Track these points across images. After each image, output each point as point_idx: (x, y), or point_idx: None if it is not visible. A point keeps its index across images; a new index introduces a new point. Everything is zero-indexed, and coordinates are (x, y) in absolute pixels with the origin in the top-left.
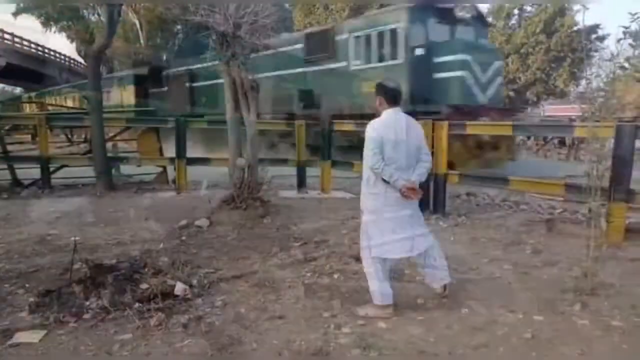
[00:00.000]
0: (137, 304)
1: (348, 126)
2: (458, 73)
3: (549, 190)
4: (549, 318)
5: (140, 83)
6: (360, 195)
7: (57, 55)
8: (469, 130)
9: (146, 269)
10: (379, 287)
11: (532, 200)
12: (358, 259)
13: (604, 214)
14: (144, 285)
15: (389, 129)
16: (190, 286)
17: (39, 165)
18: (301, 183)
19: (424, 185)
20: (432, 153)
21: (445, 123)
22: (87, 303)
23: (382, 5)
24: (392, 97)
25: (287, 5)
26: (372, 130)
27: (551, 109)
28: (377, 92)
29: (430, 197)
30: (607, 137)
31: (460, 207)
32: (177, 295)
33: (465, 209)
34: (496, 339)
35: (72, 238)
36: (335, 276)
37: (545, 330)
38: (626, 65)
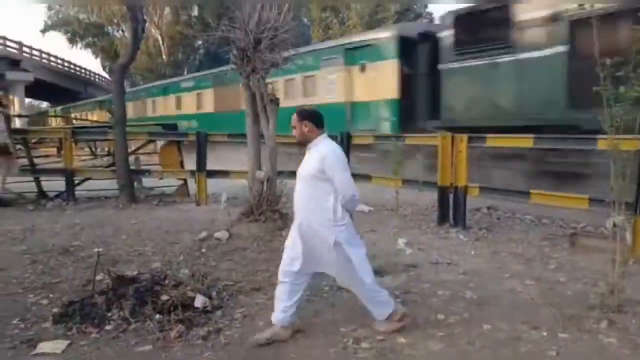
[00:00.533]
0: (157, 316)
1: None
2: None
3: (572, 203)
4: (574, 335)
5: (411, 55)
6: (324, 227)
7: (83, 70)
8: (489, 143)
9: (167, 281)
10: (385, 302)
11: (554, 214)
12: (378, 273)
13: (630, 228)
14: (164, 297)
15: None
16: (210, 298)
17: (63, 178)
18: None
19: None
20: (452, 164)
21: (465, 136)
22: (109, 314)
23: (399, 19)
24: (321, 121)
25: (305, 20)
26: (342, 154)
27: None
28: (304, 118)
29: (450, 210)
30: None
31: (481, 221)
32: (196, 308)
33: (486, 222)
34: (520, 356)
35: (95, 250)
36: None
37: (570, 348)
38: None
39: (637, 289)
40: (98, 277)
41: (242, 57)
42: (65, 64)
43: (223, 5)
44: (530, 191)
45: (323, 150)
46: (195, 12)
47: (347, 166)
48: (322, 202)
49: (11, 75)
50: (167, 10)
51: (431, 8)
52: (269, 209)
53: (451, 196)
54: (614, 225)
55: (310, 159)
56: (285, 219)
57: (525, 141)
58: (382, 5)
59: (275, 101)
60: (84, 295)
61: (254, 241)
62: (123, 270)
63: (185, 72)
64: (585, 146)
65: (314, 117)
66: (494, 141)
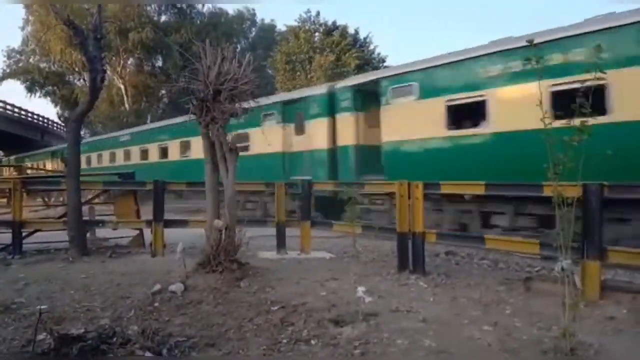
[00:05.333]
0: None
1: None
2: None
3: (524, 248)
4: None
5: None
6: None
7: (40, 118)
8: (443, 190)
9: (114, 339)
10: None
11: (509, 258)
12: (337, 323)
13: (578, 271)
14: (110, 356)
15: None
16: (160, 356)
17: (11, 230)
18: (280, 244)
19: None
20: (410, 210)
21: (421, 183)
22: None
23: (361, 70)
24: None
25: (269, 70)
26: None
27: None
28: None
29: (410, 257)
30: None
31: (440, 266)
32: None
33: (444, 267)
34: None
35: (38, 307)
36: (313, 342)
37: None
38: None
39: (589, 332)
40: (40, 337)
41: (202, 107)
42: (22, 112)
43: (184, 57)
44: (485, 236)
45: None
46: (159, 63)
47: None
48: None
49: None
50: (130, 60)
51: (389, 61)
52: (227, 259)
53: (410, 242)
54: (562, 269)
55: None
56: (243, 269)
57: (476, 188)
58: (341, 61)
59: (234, 150)
60: (23, 357)
61: (210, 293)
62: (68, 328)
63: (149, 121)
64: (533, 193)
65: None
66: (448, 188)
